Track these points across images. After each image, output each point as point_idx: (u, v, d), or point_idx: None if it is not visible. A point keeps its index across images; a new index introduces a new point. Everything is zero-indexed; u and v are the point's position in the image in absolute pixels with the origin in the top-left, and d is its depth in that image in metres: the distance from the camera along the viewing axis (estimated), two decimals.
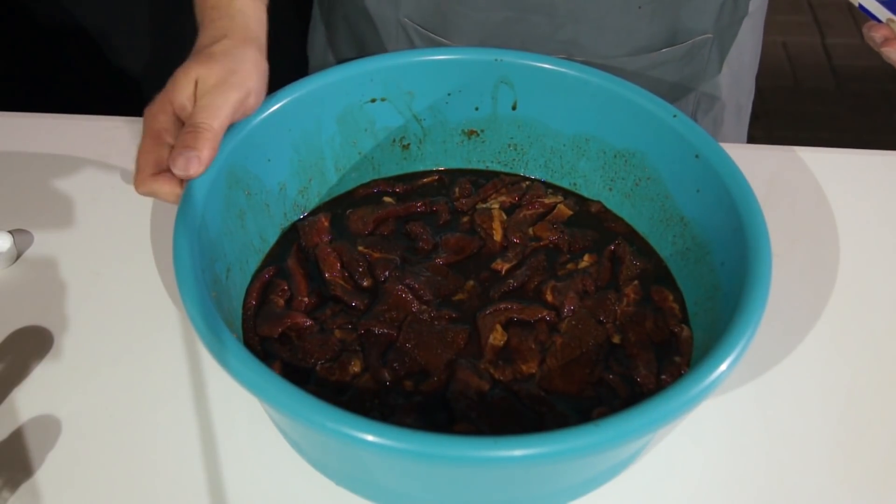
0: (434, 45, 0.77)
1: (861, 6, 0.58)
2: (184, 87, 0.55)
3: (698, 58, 0.78)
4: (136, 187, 0.54)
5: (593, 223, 0.66)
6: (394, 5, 0.76)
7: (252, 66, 0.57)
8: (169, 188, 0.54)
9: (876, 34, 0.58)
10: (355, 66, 0.63)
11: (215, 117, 0.54)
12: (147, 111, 0.56)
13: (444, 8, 0.74)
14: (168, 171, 0.54)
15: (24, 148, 0.73)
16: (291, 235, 0.63)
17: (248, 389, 0.44)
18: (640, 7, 0.72)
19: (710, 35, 0.76)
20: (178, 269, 0.49)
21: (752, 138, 0.94)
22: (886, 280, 0.66)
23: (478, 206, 0.66)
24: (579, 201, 0.67)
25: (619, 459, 0.53)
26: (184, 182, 0.54)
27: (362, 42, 0.83)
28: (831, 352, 0.61)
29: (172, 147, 0.54)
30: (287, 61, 0.73)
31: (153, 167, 0.54)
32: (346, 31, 0.84)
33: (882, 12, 0.57)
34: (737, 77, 0.84)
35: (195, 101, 0.55)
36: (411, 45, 0.79)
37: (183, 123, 0.55)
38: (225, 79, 0.55)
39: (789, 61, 2.12)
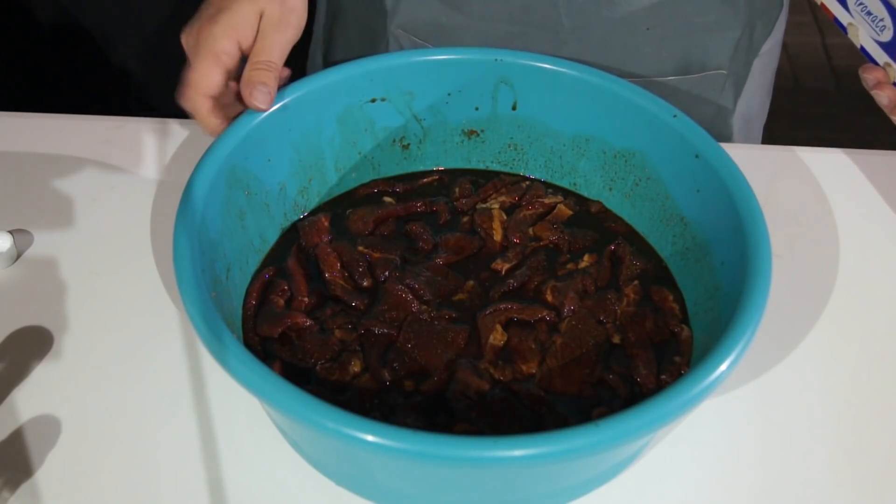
0: None
1: (862, 48, 0.58)
2: (249, 18, 0.57)
3: (710, 92, 0.76)
4: (184, 100, 0.57)
5: (593, 223, 0.66)
6: (384, 16, 0.76)
7: (302, 3, 0.59)
8: (217, 121, 0.57)
9: (869, 76, 0.59)
10: (355, 66, 0.63)
11: (279, 57, 0.58)
12: (208, 32, 0.57)
13: (443, 20, 0.73)
14: (218, 103, 0.57)
15: (24, 148, 0.73)
16: (291, 235, 0.63)
17: (248, 389, 0.44)
18: (647, 29, 0.71)
19: (723, 71, 0.75)
20: (178, 269, 0.49)
21: None
22: (886, 280, 0.66)
23: (478, 206, 0.66)
24: (579, 201, 0.67)
25: (618, 460, 0.53)
26: (228, 121, 0.58)
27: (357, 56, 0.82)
28: (831, 352, 0.61)
29: (229, 71, 0.57)
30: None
31: (206, 88, 0.56)
32: (343, 46, 0.83)
33: (880, 56, 0.57)
34: (747, 122, 0.81)
35: (257, 33, 0.58)
36: None
37: (240, 50, 0.58)
38: (284, 16, 0.58)
39: (789, 61, 2.12)
